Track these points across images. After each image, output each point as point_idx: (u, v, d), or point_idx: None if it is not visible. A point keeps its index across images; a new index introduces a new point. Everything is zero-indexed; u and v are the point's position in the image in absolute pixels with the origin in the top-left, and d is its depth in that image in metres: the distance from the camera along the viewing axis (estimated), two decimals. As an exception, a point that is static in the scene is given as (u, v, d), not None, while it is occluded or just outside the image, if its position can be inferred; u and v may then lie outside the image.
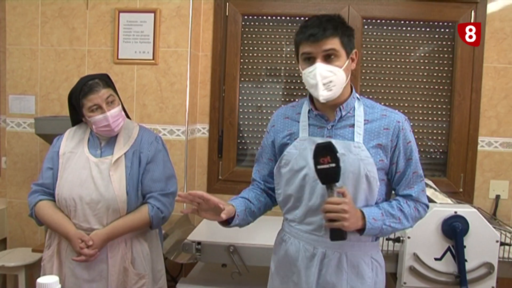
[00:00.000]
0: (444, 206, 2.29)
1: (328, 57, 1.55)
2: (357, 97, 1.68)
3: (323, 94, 1.54)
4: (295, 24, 3.17)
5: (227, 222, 1.66)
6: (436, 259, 2.26)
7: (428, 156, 3.16)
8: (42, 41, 3.07)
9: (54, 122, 2.74)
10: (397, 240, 2.32)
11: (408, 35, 3.10)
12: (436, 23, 3.07)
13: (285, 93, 3.23)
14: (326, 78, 1.54)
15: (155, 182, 2.06)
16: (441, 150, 3.15)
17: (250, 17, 3.20)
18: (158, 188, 2.07)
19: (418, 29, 3.09)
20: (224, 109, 3.24)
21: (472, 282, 2.24)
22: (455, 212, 2.22)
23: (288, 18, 3.17)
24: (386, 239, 2.33)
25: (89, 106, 1.98)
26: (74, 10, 3.02)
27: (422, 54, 3.10)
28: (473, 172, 3.08)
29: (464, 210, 2.24)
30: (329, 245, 1.63)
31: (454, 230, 2.20)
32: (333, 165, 1.45)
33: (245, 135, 3.29)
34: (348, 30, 1.61)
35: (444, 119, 3.12)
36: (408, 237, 2.25)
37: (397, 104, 3.14)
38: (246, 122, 3.27)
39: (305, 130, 1.67)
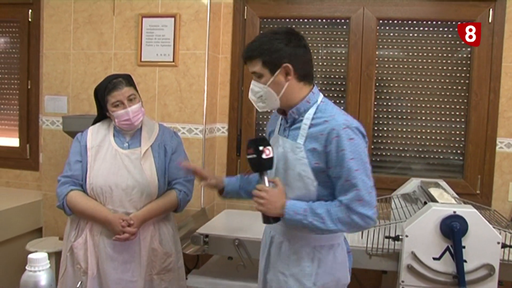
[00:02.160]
0: (443, 206, 2.28)
1: (256, 76, 1.76)
2: (318, 101, 1.78)
3: (258, 106, 1.81)
4: (312, 26, 3.24)
5: (220, 193, 2.06)
6: (434, 258, 2.25)
7: (445, 157, 3.13)
8: (74, 45, 3.29)
9: (80, 120, 2.95)
10: (397, 238, 2.34)
11: (424, 35, 3.09)
12: (452, 23, 3.03)
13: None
14: (257, 93, 1.77)
15: (179, 170, 2.26)
16: (458, 152, 3.11)
17: (268, 20, 3.30)
18: (182, 175, 2.31)
19: (434, 29, 3.07)
20: (242, 109, 3.35)
21: (471, 283, 2.21)
22: (454, 212, 2.21)
23: (304, 20, 3.25)
24: (386, 237, 2.36)
25: (112, 102, 2.20)
26: (102, 16, 3.22)
27: (439, 54, 3.08)
28: (491, 174, 3.03)
29: (464, 210, 2.22)
30: (277, 231, 1.85)
31: (452, 229, 2.20)
32: (254, 156, 1.70)
33: (263, 134, 3.38)
34: (270, 49, 1.71)
35: (461, 119, 3.08)
36: (406, 236, 2.26)
37: (413, 104, 3.14)
38: (264, 122, 3.36)
39: (278, 129, 1.91)
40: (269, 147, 1.71)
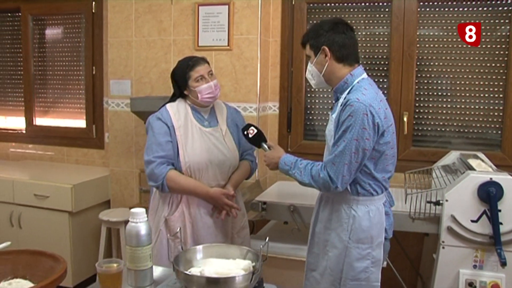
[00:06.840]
0: (480, 173, 2.49)
1: (308, 58, 2.15)
2: (354, 82, 2.04)
3: (312, 83, 2.19)
4: (356, 10, 3.45)
5: None
6: (472, 221, 2.47)
7: (484, 131, 3.30)
8: (135, 33, 3.61)
9: (146, 101, 3.27)
10: (438, 203, 2.57)
11: (463, 14, 3.24)
12: (492, 2, 3.16)
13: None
14: (309, 72, 2.15)
15: (247, 142, 2.46)
16: (497, 126, 3.27)
17: (314, 5, 3.53)
18: (249, 147, 2.59)
19: (473, 8, 3.22)
20: (292, 89, 3.61)
21: (507, 243, 2.43)
22: (491, 179, 2.42)
23: (348, 4, 3.46)
24: (427, 202, 2.59)
25: (195, 77, 2.39)
26: (161, 5, 3.52)
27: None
28: (528, 147, 3.18)
29: (500, 176, 2.43)
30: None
31: (488, 194, 2.41)
32: (245, 138, 2.31)
33: (312, 112, 3.64)
34: (314, 34, 2.07)
35: (499, 95, 3.23)
36: (446, 200, 2.49)
37: (453, 81, 3.30)
38: (312, 100, 3.62)
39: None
40: (252, 128, 2.27)
